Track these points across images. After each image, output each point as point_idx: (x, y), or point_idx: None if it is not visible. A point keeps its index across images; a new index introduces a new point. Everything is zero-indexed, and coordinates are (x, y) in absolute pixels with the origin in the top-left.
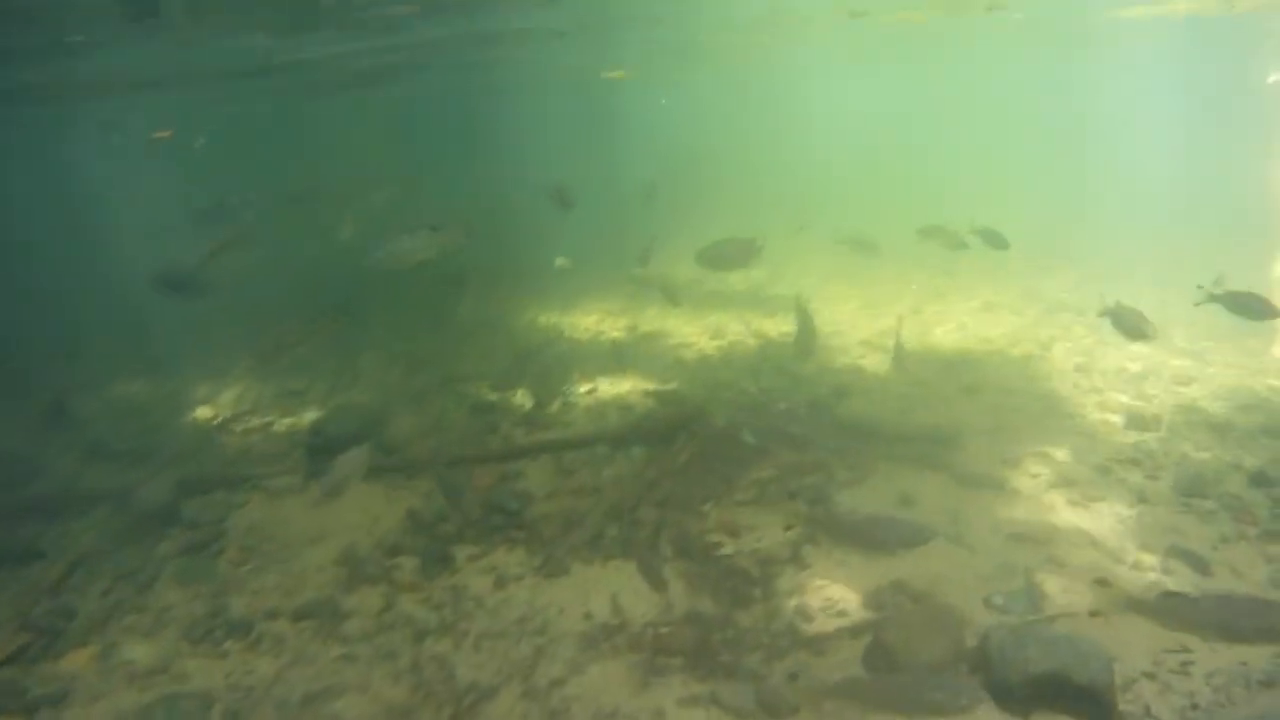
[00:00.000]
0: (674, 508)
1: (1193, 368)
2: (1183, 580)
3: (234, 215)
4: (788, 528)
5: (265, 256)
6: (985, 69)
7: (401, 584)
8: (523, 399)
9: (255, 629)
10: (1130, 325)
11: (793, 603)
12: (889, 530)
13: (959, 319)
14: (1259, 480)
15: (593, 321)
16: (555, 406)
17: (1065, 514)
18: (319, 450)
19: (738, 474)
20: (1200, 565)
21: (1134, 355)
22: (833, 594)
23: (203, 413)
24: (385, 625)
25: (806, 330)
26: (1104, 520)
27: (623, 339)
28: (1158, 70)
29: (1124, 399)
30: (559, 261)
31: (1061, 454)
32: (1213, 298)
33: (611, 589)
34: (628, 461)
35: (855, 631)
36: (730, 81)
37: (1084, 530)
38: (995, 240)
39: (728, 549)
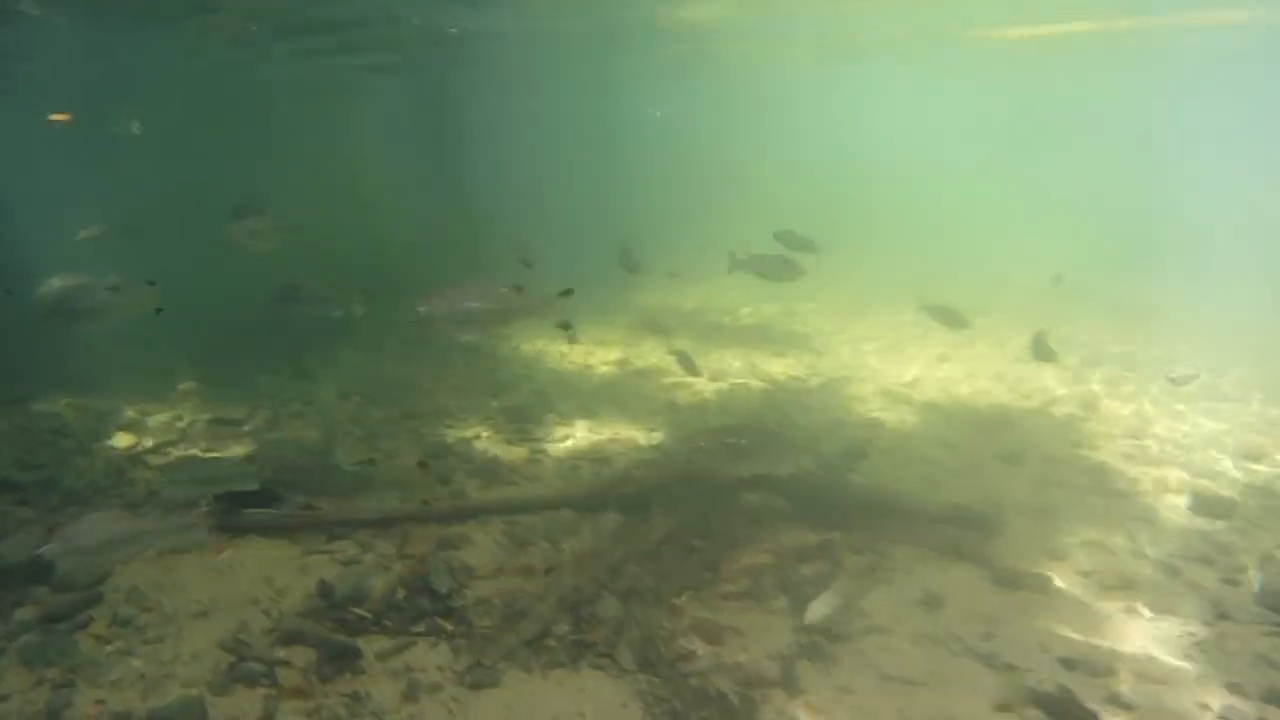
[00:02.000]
0: (642, 600)
1: (1265, 440)
2: None
3: None
4: None
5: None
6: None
7: (287, 687)
8: (486, 443)
9: None
10: None
11: None
12: None
13: (996, 367)
14: None
15: (582, 352)
16: (521, 455)
17: (1128, 630)
18: (228, 497)
19: (725, 557)
20: None
21: (1195, 422)
22: None
23: (123, 440)
24: None
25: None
26: (1177, 642)
27: (612, 375)
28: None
29: (1186, 476)
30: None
31: (1118, 545)
32: None
33: (550, 712)
34: (594, 533)
35: None
36: (733, 94)
37: (1153, 656)
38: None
39: (704, 661)
